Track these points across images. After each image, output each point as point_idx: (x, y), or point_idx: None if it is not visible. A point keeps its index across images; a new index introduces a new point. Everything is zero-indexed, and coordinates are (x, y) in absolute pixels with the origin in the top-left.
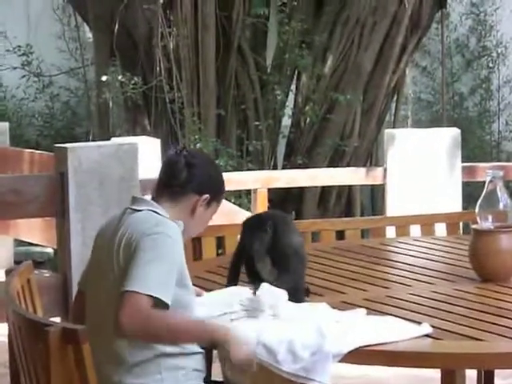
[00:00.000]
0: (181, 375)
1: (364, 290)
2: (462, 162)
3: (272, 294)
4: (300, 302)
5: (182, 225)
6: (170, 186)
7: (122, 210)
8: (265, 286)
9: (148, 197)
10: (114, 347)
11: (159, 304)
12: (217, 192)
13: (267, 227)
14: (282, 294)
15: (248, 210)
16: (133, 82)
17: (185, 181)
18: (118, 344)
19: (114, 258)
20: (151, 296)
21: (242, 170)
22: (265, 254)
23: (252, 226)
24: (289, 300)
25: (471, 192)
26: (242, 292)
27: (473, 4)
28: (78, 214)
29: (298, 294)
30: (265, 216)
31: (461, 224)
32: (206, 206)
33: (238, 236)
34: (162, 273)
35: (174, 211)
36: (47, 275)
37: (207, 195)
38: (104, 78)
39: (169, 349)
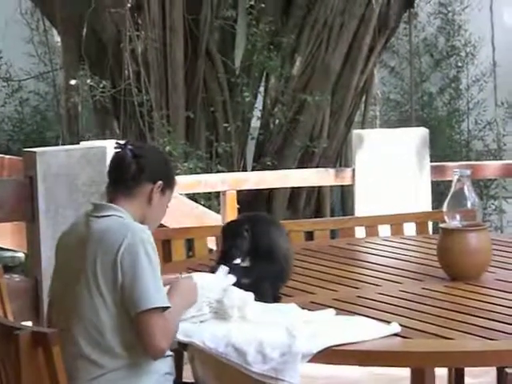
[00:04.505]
0: (152, 379)
1: (333, 290)
2: (432, 161)
3: (238, 296)
4: (264, 299)
5: (147, 226)
6: (122, 182)
7: (83, 218)
8: (231, 288)
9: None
10: (85, 355)
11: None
12: (169, 177)
13: (244, 232)
14: (249, 295)
15: (218, 212)
16: (101, 85)
17: (136, 172)
18: (91, 352)
19: (87, 270)
20: (163, 307)
21: (211, 173)
22: (245, 256)
23: (229, 232)
24: (253, 293)
25: (442, 191)
26: (211, 287)
27: (441, 4)
28: (48, 218)
29: (260, 290)
30: (241, 220)
31: (430, 223)
32: (161, 193)
33: (207, 238)
34: (157, 280)
35: (132, 205)
36: (17, 279)
37: (160, 182)
38: (73, 82)
39: (140, 356)
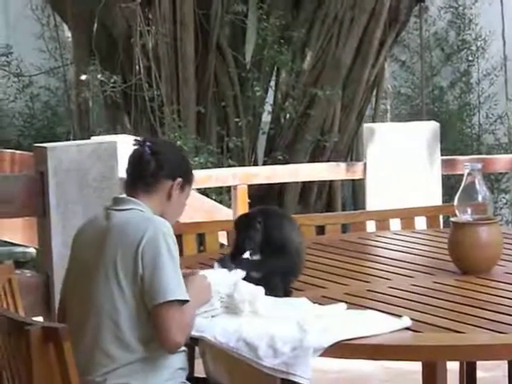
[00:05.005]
0: (165, 374)
1: (344, 285)
2: (443, 155)
3: (249, 291)
4: (274, 293)
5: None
6: (141, 178)
7: (103, 212)
8: (241, 283)
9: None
10: (101, 348)
11: (185, 302)
12: (188, 174)
13: (257, 224)
14: (259, 290)
15: (229, 206)
16: (112, 80)
17: (155, 169)
18: (107, 345)
19: (107, 262)
20: (182, 300)
21: (222, 167)
22: (258, 250)
23: (242, 225)
24: (263, 288)
25: (453, 185)
26: (226, 281)
27: None
28: (59, 213)
29: (271, 285)
30: (254, 213)
31: (441, 217)
32: (181, 189)
33: (219, 233)
34: (178, 274)
35: (152, 201)
36: (29, 275)
37: (180, 179)
38: (83, 77)
39: (155, 351)
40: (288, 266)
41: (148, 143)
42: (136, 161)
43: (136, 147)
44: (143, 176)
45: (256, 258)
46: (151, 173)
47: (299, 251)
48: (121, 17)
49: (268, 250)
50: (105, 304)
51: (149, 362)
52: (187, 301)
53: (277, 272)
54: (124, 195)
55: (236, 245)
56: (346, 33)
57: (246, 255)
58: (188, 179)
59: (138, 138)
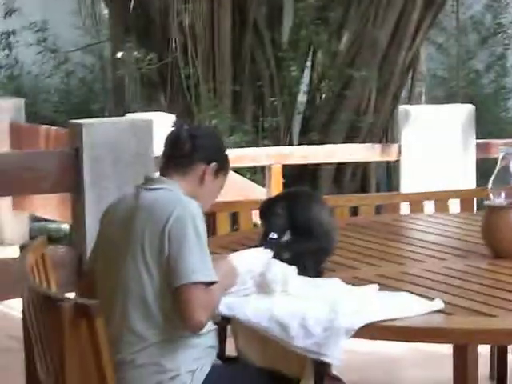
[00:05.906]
0: (195, 353)
1: (377, 266)
2: (477, 138)
3: (281, 271)
4: (306, 274)
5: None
6: (175, 158)
7: (133, 190)
8: (274, 262)
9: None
10: (131, 328)
11: (212, 283)
12: (223, 161)
13: (279, 209)
14: (292, 270)
15: (263, 186)
16: (148, 58)
17: (190, 151)
18: (136, 325)
19: (135, 241)
20: (208, 282)
21: (256, 147)
22: (283, 233)
23: (265, 212)
24: (295, 266)
25: (489, 168)
26: (257, 260)
27: None
28: (93, 189)
29: (302, 264)
30: (276, 198)
31: (475, 200)
32: (215, 175)
33: (252, 212)
34: (204, 254)
35: (184, 183)
36: (62, 250)
37: (215, 163)
38: (119, 55)
39: (184, 330)
40: (317, 247)
41: (186, 126)
42: (172, 141)
43: (174, 127)
44: (177, 156)
45: (285, 239)
46: (186, 153)
47: (329, 231)
48: None
49: (295, 232)
50: (132, 282)
51: (178, 340)
52: (214, 282)
53: (305, 254)
54: (157, 174)
55: (263, 233)
56: (382, 14)
57: (273, 236)
58: (223, 167)
59: (178, 120)
